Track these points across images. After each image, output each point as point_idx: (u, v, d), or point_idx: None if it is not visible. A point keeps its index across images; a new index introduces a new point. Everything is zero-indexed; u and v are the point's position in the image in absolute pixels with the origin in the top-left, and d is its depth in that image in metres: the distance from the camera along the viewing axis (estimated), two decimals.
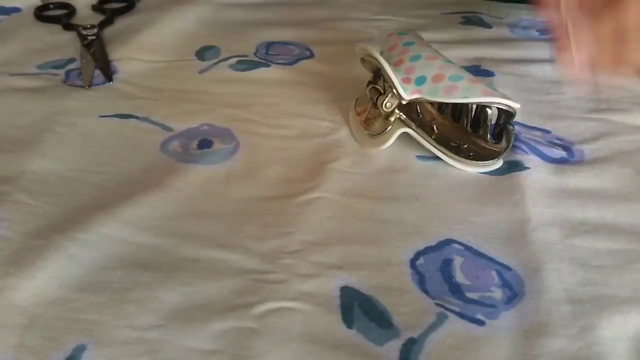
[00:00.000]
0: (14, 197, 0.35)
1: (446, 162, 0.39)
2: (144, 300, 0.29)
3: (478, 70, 0.49)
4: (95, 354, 0.27)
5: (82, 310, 0.29)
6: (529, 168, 0.38)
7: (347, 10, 0.61)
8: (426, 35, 0.45)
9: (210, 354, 0.27)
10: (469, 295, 0.30)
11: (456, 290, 0.30)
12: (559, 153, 0.40)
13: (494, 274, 0.31)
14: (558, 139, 0.41)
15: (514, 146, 0.39)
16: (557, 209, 0.35)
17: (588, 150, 0.40)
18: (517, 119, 0.43)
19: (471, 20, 0.59)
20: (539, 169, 0.38)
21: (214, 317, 0.28)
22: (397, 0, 0.63)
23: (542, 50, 0.52)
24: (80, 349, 0.27)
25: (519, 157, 0.39)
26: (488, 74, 0.49)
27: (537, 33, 0.56)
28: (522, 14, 0.60)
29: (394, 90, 0.38)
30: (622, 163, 0.39)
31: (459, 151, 0.39)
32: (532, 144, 0.40)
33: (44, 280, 0.30)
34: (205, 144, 0.41)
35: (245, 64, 0.50)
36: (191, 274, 0.31)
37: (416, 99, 0.37)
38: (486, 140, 0.39)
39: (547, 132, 0.42)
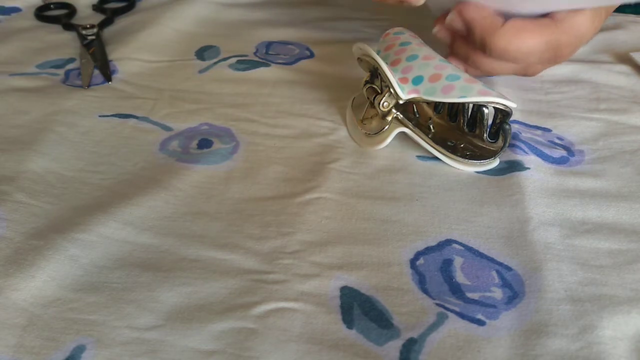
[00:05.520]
0: (13, 197, 0.35)
1: (446, 162, 0.39)
2: (144, 301, 0.29)
3: None
4: (95, 354, 0.27)
5: (82, 310, 0.29)
6: (529, 168, 0.38)
7: (347, 10, 0.61)
8: (426, 35, 0.45)
9: (210, 354, 0.27)
10: (469, 295, 0.30)
11: (456, 290, 0.30)
12: (559, 153, 0.40)
13: (494, 274, 0.31)
14: (558, 137, 0.41)
15: (514, 146, 0.39)
16: (557, 208, 0.35)
17: (588, 150, 0.40)
18: (517, 117, 0.43)
19: None
20: (539, 169, 0.38)
21: (214, 317, 0.28)
22: None
23: None
24: (79, 349, 0.27)
25: (519, 157, 0.39)
26: None
27: None
28: None
29: (391, 90, 0.38)
30: (622, 163, 0.39)
31: (455, 150, 0.39)
32: (532, 143, 0.40)
33: (44, 280, 0.30)
34: (204, 143, 0.41)
35: (245, 64, 0.50)
36: (191, 274, 0.31)
37: (413, 98, 0.37)
38: (482, 140, 0.39)
39: (548, 130, 0.42)
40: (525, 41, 0.41)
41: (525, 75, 0.47)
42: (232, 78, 0.48)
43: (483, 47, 0.42)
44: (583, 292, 0.30)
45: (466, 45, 0.45)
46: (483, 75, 0.47)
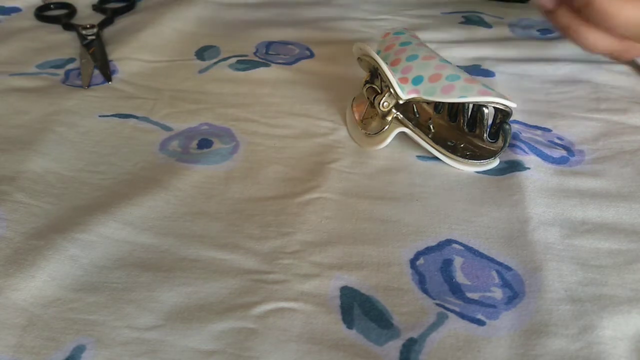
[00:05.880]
0: (13, 197, 0.35)
1: (446, 162, 0.39)
2: (144, 301, 0.29)
3: (478, 70, 0.49)
4: (95, 354, 0.27)
5: (82, 310, 0.29)
6: (529, 168, 0.38)
7: (347, 10, 0.61)
8: (426, 35, 0.45)
9: (210, 354, 0.27)
10: (469, 295, 0.30)
11: (456, 290, 0.30)
12: (559, 153, 0.40)
13: (494, 274, 0.31)
14: (558, 138, 0.41)
15: (514, 146, 0.39)
16: (557, 208, 0.35)
17: (588, 150, 0.40)
18: (517, 118, 0.43)
19: (471, 20, 0.59)
20: (539, 169, 0.38)
21: (214, 317, 0.28)
22: (397, 0, 0.63)
23: (542, 50, 0.52)
24: (79, 349, 0.27)
25: (519, 157, 0.39)
26: (488, 73, 0.49)
27: (537, 33, 0.56)
28: (522, 13, 0.60)
29: (391, 90, 0.38)
30: (622, 163, 0.39)
31: (455, 150, 0.39)
32: (532, 144, 0.40)
33: (44, 280, 0.30)
34: (204, 143, 0.41)
35: (245, 64, 0.50)
36: (191, 274, 0.31)
37: (413, 98, 0.37)
38: (482, 140, 0.39)
39: (548, 130, 0.42)
40: (635, 10, 0.36)
41: (619, 58, 0.42)
42: (232, 78, 0.48)
43: (586, 6, 0.37)
44: (583, 292, 0.30)
45: (569, 13, 0.40)
46: (584, 50, 0.41)
